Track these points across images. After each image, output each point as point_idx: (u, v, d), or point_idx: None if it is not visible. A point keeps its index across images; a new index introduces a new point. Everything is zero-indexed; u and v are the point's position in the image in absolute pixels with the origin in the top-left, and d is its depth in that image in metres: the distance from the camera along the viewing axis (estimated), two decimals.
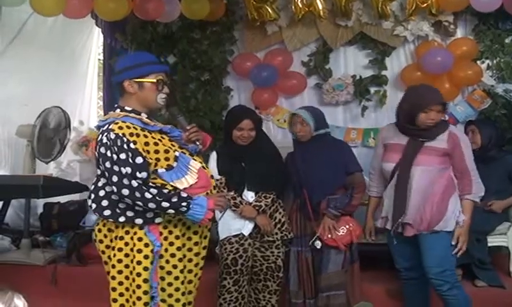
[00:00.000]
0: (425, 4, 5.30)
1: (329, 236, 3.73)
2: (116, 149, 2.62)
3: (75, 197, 5.72)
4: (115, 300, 2.80)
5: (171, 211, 2.64)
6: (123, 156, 2.62)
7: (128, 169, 2.61)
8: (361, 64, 5.94)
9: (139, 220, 2.70)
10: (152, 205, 2.61)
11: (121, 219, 2.70)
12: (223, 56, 6.07)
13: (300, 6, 5.54)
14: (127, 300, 2.78)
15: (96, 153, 2.74)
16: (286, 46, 5.97)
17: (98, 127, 2.82)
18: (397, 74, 5.82)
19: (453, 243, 3.27)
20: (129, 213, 2.69)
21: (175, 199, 2.63)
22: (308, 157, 3.82)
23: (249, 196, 3.78)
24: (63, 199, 5.69)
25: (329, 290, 3.74)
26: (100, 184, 2.75)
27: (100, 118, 2.96)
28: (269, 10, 5.64)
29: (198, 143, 2.90)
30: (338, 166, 3.78)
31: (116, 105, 2.85)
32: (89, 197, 2.79)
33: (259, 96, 5.97)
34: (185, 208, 2.63)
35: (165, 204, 2.61)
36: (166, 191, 2.66)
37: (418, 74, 5.57)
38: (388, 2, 5.43)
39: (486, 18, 5.45)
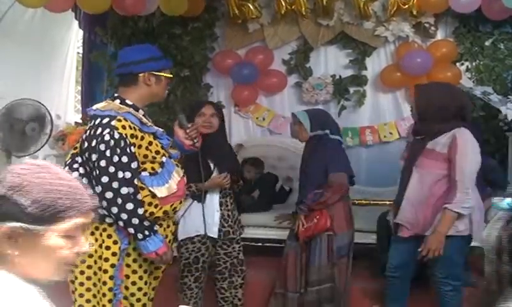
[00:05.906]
0: (406, 6, 5.33)
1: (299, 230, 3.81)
2: (118, 151, 2.51)
3: None
4: (81, 296, 2.74)
5: (131, 230, 2.58)
6: (125, 159, 2.53)
7: (128, 174, 2.53)
8: (342, 64, 5.95)
9: (109, 219, 2.63)
10: (123, 216, 2.54)
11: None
12: (203, 53, 6.04)
13: (282, 4, 5.54)
14: (94, 296, 2.73)
15: (83, 143, 2.61)
16: (267, 44, 5.96)
17: (94, 116, 2.64)
18: (377, 74, 5.84)
19: (419, 249, 3.24)
20: (100, 211, 2.59)
21: (144, 223, 2.58)
22: (304, 157, 3.90)
23: (213, 198, 3.72)
24: None
25: (316, 285, 3.78)
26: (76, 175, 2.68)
27: (98, 107, 2.70)
28: (251, 8, 5.62)
29: (195, 141, 2.91)
30: (319, 166, 3.79)
31: (116, 95, 2.72)
32: None
33: (239, 94, 5.96)
34: (142, 236, 2.58)
35: (134, 221, 2.55)
36: (141, 211, 2.58)
37: (397, 75, 5.61)
38: (370, 3, 5.45)
39: (466, 20, 5.49)
